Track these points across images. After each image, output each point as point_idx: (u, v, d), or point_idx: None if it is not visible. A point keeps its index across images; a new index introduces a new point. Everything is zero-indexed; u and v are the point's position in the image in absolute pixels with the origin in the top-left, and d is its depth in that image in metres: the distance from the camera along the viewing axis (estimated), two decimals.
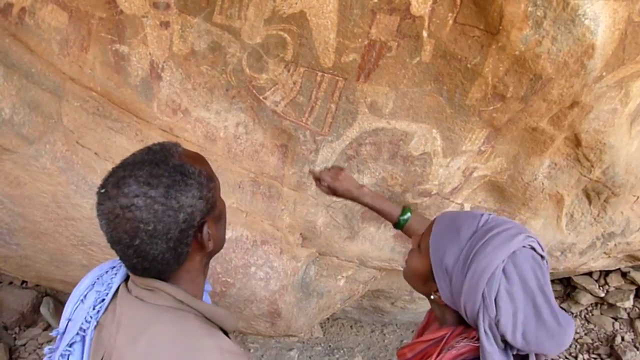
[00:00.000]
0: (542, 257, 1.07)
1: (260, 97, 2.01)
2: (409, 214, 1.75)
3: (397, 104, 1.98)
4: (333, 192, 1.85)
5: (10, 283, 4.02)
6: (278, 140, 2.18)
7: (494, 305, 1.00)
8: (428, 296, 1.21)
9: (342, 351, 4.19)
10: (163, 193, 0.86)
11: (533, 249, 1.06)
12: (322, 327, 4.48)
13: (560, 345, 0.99)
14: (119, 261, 1.02)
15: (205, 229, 0.96)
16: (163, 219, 0.86)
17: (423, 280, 1.20)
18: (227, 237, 2.27)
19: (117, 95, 1.94)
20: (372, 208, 1.80)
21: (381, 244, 2.66)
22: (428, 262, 1.14)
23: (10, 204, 1.98)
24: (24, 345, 3.75)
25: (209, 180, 0.97)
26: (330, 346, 4.28)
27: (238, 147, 2.19)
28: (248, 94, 2.02)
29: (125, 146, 2.02)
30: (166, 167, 0.89)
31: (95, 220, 2.07)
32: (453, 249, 1.09)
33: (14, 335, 3.83)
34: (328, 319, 4.51)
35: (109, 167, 1.99)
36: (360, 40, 1.79)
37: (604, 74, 1.80)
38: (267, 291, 2.47)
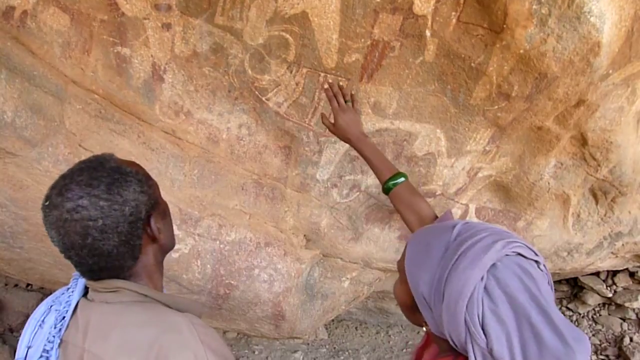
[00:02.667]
0: (536, 262, 0.91)
1: (263, 99, 2.00)
2: (400, 179, 1.53)
3: (401, 104, 1.97)
4: (334, 129, 1.65)
5: (16, 285, 4.03)
6: (281, 141, 2.17)
7: (481, 332, 0.83)
8: (421, 327, 1.06)
9: (347, 353, 4.18)
10: (105, 190, 0.89)
11: (520, 255, 0.89)
12: (326, 328, 4.47)
13: None
14: (73, 281, 1.05)
15: (153, 222, 0.99)
16: (110, 214, 0.89)
17: (410, 311, 1.04)
18: (230, 239, 2.28)
19: (119, 97, 1.94)
20: (367, 161, 1.61)
21: (385, 245, 2.64)
22: (409, 290, 0.99)
23: (14, 207, 1.98)
24: None
25: (147, 179, 1.01)
26: (335, 348, 4.26)
27: (241, 148, 2.18)
28: (250, 96, 2.01)
29: (128, 148, 2.01)
30: (104, 169, 0.92)
31: None
32: (426, 274, 0.93)
33: (19, 338, 3.83)
34: (333, 320, 4.49)
35: None
36: (362, 40, 1.77)
37: (610, 71, 1.78)
38: (270, 293, 2.46)
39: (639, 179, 2.55)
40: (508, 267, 0.86)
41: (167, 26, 1.81)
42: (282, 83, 1.94)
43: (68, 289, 1.06)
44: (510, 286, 0.84)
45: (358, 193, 2.35)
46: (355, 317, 4.52)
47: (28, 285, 4.02)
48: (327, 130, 1.68)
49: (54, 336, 0.96)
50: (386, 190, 1.55)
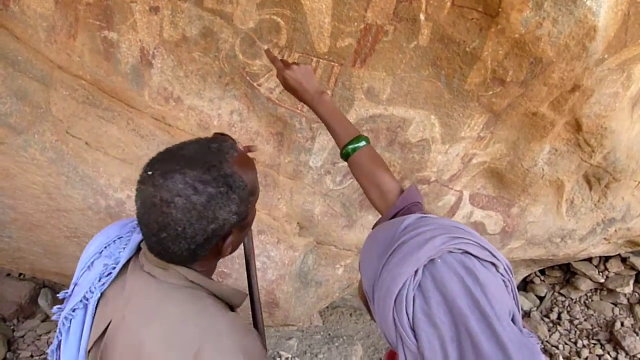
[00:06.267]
0: (493, 265, 0.80)
1: (255, 84, 1.97)
2: (361, 143, 1.31)
3: (395, 89, 1.94)
4: (284, 85, 1.43)
5: (8, 275, 4.01)
6: (273, 128, 2.14)
7: (411, 335, 0.74)
8: None
9: (341, 339, 4.19)
10: (204, 202, 0.87)
11: (468, 253, 0.78)
12: (321, 315, 4.48)
13: None
14: (126, 229, 1.07)
15: (229, 239, 0.97)
16: (194, 225, 0.88)
17: (368, 308, 0.96)
18: None
19: (107, 83, 1.89)
20: (324, 122, 1.39)
21: None
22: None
23: (1, 196, 1.95)
24: (23, 336, 3.74)
25: (250, 195, 0.98)
26: (329, 334, 4.28)
27: (232, 135, 2.14)
28: (242, 81, 1.97)
29: (117, 135, 1.97)
30: (216, 175, 0.89)
31: (87, 212, 2.04)
32: (369, 269, 0.86)
33: (12, 327, 3.82)
34: (327, 307, 4.51)
35: (101, 157, 1.98)
36: (355, 24, 1.74)
37: (606, 56, 1.76)
38: (264, 281, 2.45)
39: (632, 165, 2.55)
40: (449, 265, 0.76)
41: (155, 9, 1.77)
42: (273, 68, 1.91)
43: (120, 237, 1.07)
44: (448, 287, 0.73)
45: (352, 180, 2.33)
46: (349, 304, 4.53)
47: (21, 274, 4.00)
48: (282, 80, 1.43)
49: (96, 287, 0.98)
50: (344, 155, 1.33)
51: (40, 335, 3.77)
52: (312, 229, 2.52)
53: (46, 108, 1.83)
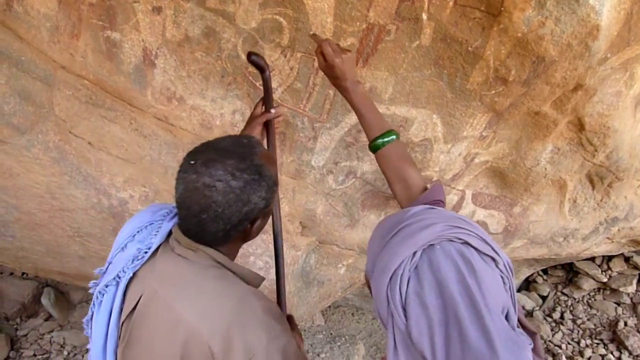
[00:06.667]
0: (492, 260, 0.81)
1: (257, 84, 1.97)
2: (391, 137, 1.34)
3: (397, 89, 1.94)
4: (326, 67, 1.42)
5: (11, 274, 4.02)
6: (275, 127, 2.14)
7: (401, 312, 0.76)
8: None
9: (343, 339, 4.20)
10: (241, 186, 1.01)
11: (468, 244, 0.80)
12: (323, 314, 4.48)
13: None
14: (158, 216, 1.19)
15: (257, 223, 1.11)
16: (231, 207, 1.01)
17: (371, 291, 0.99)
18: None
19: (110, 83, 1.90)
20: (356, 112, 1.42)
21: None
22: None
23: (4, 195, 1.95)
24: (26, 335, 3.76)
25: (274, 185, 1.11)
26: (331, 334, 4.28)
27: None
28: (244, 81, 1.98)
29: (120, 135, 1.98)
30: (250, 164, 1.03)
31: (90, 211, 2.05)
32: (372, 249, 0.91)
33: (15, 326, 3.83)
34: (329, 306, 4.51)
35: (104, 156, 1.99)
36: (358, 23, 1.74)
37: (609, 55, 1.75)
38: (267, 280, 2.45)
39: (635, 164, 2.54)
40: (446, 252, 0.78)
41: (158, 10, 1.77)
42: (276, 68, 1.91)
43: (152, 223, 1.18)
44: (443, 272, 0.75)
45: (354, 179, 2.34)
46: (351, 303, 4.53)
47: (23, 273, 4.01)
48: (322, 62, 1.42)
49: (129, 268, 1.09)
50: (373, 148, 1.37)
51: (43, 335, 3.78)
52: (315, 229, 2.52)
53: (49, 108, 1.84)
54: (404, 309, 0.76)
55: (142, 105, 1.98)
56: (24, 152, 1.82)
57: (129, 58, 1.86)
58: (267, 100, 1.61)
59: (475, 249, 0.80)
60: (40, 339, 3.75)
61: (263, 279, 1.17)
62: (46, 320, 3.91)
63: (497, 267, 0.81)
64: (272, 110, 1.60)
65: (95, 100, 1.92)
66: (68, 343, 3.72)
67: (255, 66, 1.60)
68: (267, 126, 1.59)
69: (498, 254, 0.82)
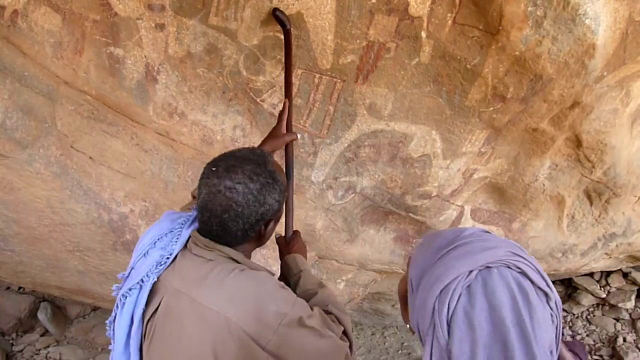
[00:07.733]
0: (545, 295, 0.79)
1: (258, 100, 1.99)
2: None
3: (396, 105, 1.96)
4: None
5: (8, 288, 3.99)
6: None
7: (445, 328, 0.74)
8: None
9: None
10: (258, 189, 1.12)
11: (525, 275, 0.78)
12: None
13: None
14: (177, 223, 1.27)
15: (270, 225, 1.21)
16: (250, 207, 1.11)
17: (404, 303, 0.97)
18: None
19: (112, 98, 1.91)
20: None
21: (381, 247, 2.63)
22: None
23: (5, 209, 1.96)
24: (21, 351, 3.72)
25: (285, 190, 1.23)
26: None
27: None
28: (245, 97, 1.99)
29: (121, 150, 1.99)
30: (265, 170, 1.15)
31: (90, 226, 2.05)
32: (421, 259, 0.88)
33: (11, 341, 3.79)
34: None
35: (104, 171, 2.00)
36: (358, 41, 1.76)
37: (605, 73, 1.78)
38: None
39: (633, 180, 2.56)
40: (504, 277, 0.76)
41: (161, 26, 1.80)
42: (277, 84, 1.93)
43: (172, 231, 1.26)
44: (497, 296, 0.73)
45: (353, 195, 2.34)
46: (351, 319, 4.50)
47: (20, 287, 3.98)
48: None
49: (153, 272, 1.16)
50: None
51: (39, 350, 3.74)
52: (314, 244, 2.52)
53: (51, 123, 1.85)
54: (449, 325, 0.74)
55: (144, 121, 1.99)
56: (26, 166, 1.83)
57: (132, 74, 1.88)
58: (287, 56, 1.71)
59: (532, 281, 0.78)
60: (36, 354, 3.71)
61: (274, 275, 1.24)
62: (42, 335, 3.88)
63: (548, 303, 0.79)
64: (297, 135, 1.74)
65: (97, 116, 1.93)
66: (64, 359, 3.68)
67: (277, 21, 1.70)
68: (287, 145, 1.70)
69: (551, 289, 0.80)
